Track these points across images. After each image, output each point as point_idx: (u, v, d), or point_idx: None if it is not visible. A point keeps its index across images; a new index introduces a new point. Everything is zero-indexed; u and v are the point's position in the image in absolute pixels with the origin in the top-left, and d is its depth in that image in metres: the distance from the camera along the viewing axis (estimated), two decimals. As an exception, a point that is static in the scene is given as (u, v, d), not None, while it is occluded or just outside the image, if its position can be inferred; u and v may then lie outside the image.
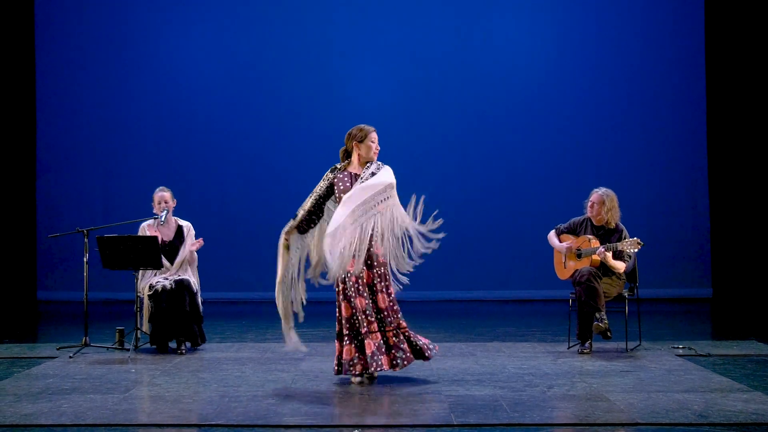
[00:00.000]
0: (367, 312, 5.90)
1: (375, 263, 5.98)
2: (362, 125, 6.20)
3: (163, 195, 7.56)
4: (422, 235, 6.05)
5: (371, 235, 5.91)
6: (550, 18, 12.62)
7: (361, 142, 6.12)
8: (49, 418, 4.98)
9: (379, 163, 6.16)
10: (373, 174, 6.05)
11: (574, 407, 5.27)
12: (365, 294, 5.93)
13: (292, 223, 6.21)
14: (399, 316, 6.02)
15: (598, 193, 7.32)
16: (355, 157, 6.16)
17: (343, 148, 6.22)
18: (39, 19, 12.64)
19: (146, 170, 12.29)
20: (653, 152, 12.44)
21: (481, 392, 5.64)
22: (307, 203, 6.19)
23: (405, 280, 6.07)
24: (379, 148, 6.18)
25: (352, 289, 5.91)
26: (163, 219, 7.46)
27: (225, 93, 12.63)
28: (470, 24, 12.63)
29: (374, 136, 6.15)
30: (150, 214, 7.64)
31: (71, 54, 12.65)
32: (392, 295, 6.02)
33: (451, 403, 5.30)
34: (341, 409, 5.25)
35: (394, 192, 6.00)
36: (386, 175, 6.02)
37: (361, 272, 5.93)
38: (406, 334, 6.02)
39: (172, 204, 7.59)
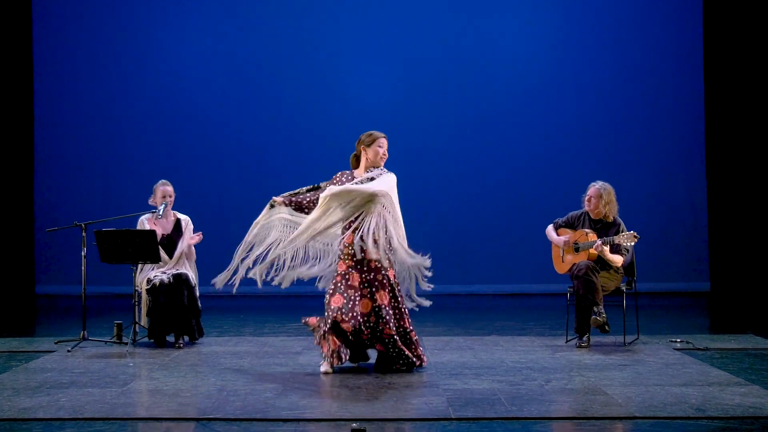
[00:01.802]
0: (343, 310, 6.00)
1: (365, 268, 6.08)
2: (372, 131, 6.33)
3: (167, 189, 7.57)
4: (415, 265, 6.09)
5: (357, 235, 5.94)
6: (550, 15, 12.58)
7: (368, 146, 6.26)
8: (47, 412, 4.98)
9: (384, 169, 6.25)
10: (371, 179, 6.12)
11: (571, 401, 5.27)
12: (345, 294, 6.05)
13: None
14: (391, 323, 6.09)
15: (595, 187, 7.32)
16: (362, 161, 6.29)
17: (354, 153, 6.36)
18: (36, 11, 12.60)
19: (145, 164, 12.27)
20: (651, 146, 12.43)
21: (479, 386, 5.64)
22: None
23: (420, 301, 6.25)
24: (387, 155, 6.28)
25: (333, 287, 6.12)
26: (161, 212, 7.45)
27: (224, 87, 12.61)
28: (470, 21, 12.59)
29: (383, 141, 6.29)
30: (148, 207, 7.64)
31: (69, 47, 12.62)
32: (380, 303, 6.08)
33: (449, 397, 5.31)
34: (339, 403, 5.26)
35: (389, 201, 6.00)
36: (382, 183, 6.03)
37: (347, 273, 6.09)
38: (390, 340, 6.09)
39: (173, 197, 7.60)
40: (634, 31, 12.50)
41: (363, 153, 6.26)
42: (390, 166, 6.34)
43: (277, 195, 6.54)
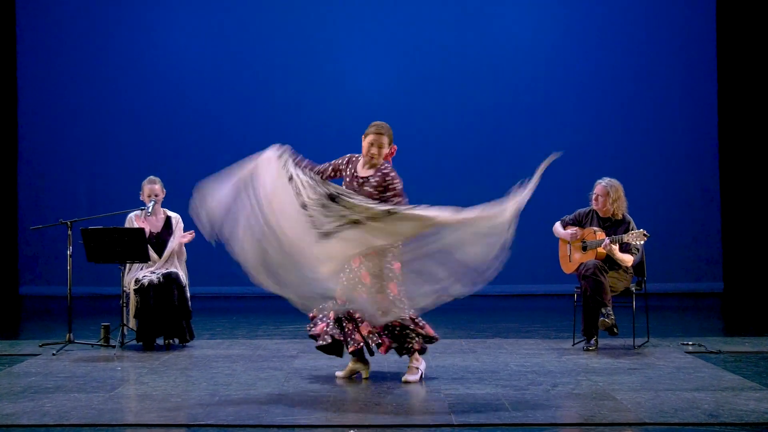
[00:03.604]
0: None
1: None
2: (377, 122, 6.04)
3: (153, 187, 7.55)
4: None
5: None
6: (558, 5, 12.58)
7: (364, 137, 6.02)
8: (31, 418, 4.98)
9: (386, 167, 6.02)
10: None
11: (579, 406, 5.28)
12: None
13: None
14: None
15: (601, 185, 7.32)
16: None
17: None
18: (20, 4, 12.58)
19: (133, 159, 12.26)
20: (663, 143, 12.43)
21: (482, 391, 5.65)
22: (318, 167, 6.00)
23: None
24: (377, 156, 5.94)
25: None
26: (149, 210, 7.45)
27: (215, 81, 12.58)
28: (475, 13, 12.57)
29: (370, 138, 5.97)
30: (137, 205, 7.64)
31: (54, 41, 12.60)
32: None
33: (450, 403, 5.31)
34: (336, 409, 5.25)
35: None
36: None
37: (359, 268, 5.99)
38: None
39: (161, 195, 7.59)
40: (645, 23, 12.50)
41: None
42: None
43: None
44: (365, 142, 6.01)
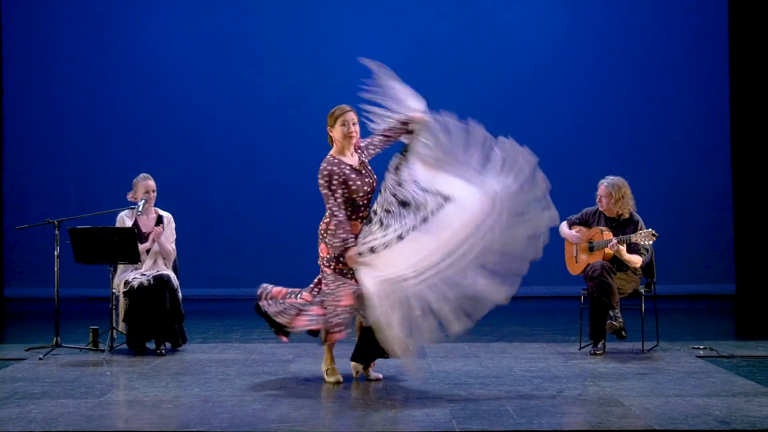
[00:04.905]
0: None
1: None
2: (336, 107, 6.19)
3: (149, 183, 7.55)
4: None
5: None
6: (567, 3, 12.57)
7: (333, 126, 6.13)
8: (17, 424, 4.99)
9: (361, 149, 6.16)
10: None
11: (586, 413, 5.28)
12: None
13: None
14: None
15: (603, 185, 7.31)
16: (334, 144, 6.13)
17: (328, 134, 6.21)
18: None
19: (123, 156, 12.23)
20: (675, 141, 12.41)
21: (486, 397, 5.65)
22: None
23: None
24: (356, 132, 6.11)
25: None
26: (140, 208, 7.44)
27: (209, 79, 12.54)
28: (479, 8, 12.56)
29: (348, 116, 6.12)
30: (127, 203, 7.63)
31: (40, 36, 12.56)
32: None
33: (452, 409, 5.31)
34: (333, 415, 5.26)
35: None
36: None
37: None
38: None
39: (154, 193, 7.60)
40: (655, 16, 12.48)
41: (331, 134, 6.13)
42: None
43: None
44: (340, 126, 6.11)
